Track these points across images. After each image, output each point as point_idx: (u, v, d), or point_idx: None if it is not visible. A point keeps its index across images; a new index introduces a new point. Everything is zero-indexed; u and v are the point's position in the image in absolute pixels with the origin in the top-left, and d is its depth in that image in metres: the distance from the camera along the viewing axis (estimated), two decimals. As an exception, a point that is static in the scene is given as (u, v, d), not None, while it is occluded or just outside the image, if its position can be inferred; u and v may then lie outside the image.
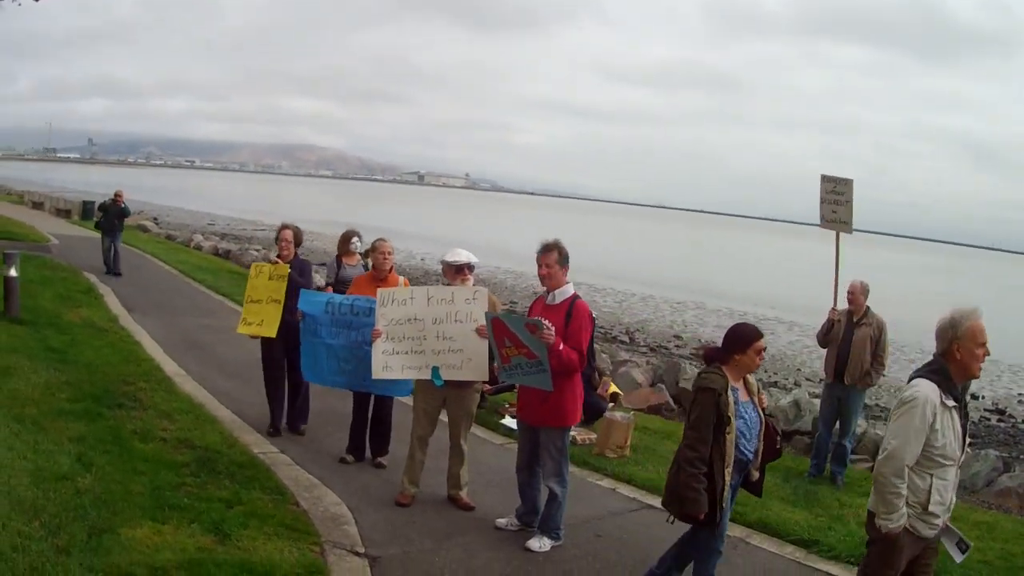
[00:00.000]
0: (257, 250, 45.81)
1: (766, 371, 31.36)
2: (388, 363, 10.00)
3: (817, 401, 16.60)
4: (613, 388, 13.17)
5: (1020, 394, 34.70)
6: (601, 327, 37.05)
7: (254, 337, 12.22)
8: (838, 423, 13.51)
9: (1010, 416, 29.44)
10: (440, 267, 10.66)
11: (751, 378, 7.49)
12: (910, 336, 43.79)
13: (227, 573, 7.32)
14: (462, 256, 10.13)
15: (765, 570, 9.17)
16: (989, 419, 28.36)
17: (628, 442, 12.74)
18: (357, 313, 10.84)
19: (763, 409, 7.51)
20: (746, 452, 7.30)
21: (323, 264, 25.38)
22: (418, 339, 9.83)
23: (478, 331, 9.52)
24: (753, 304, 52.10)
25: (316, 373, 11.41)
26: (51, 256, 30.21)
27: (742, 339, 7.23)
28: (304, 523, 8.95)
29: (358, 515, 9.46)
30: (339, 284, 14.18)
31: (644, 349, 31.69)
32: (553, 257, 8.92)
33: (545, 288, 9.08)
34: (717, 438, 6.95)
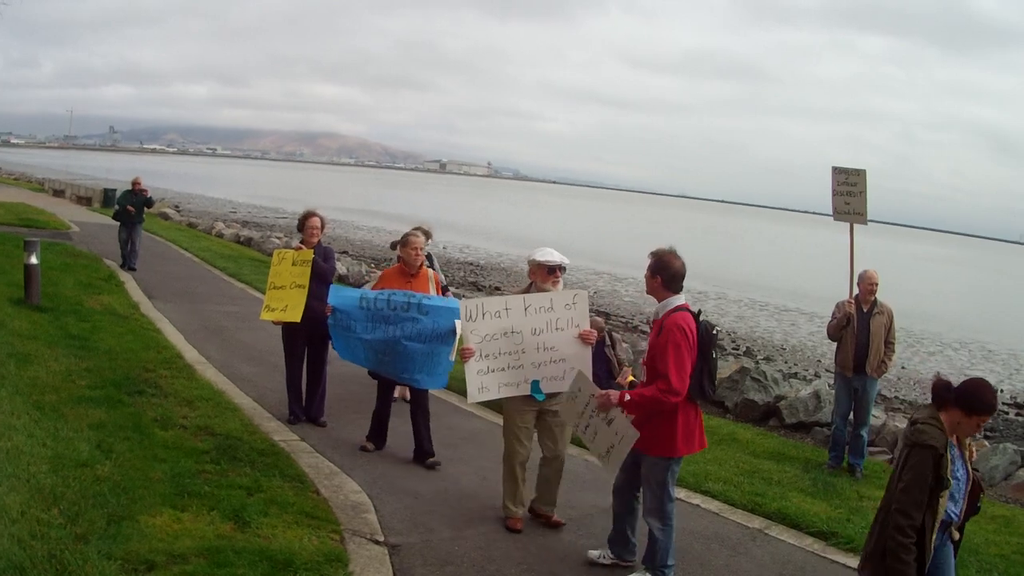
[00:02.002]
0: (279, 237, 45.82)
1: (787, 362, 31.38)
2: (484, 384, 9.13)
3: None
4: (631, 377, 13.16)
5: (1040, 388, 34.59)
6: (622, 316, 37.13)
7: (277, 323, 12.08)
8: (852, 414, 13.46)
9: None
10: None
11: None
12: (928, 327, 43.71)
13: (246, 560, 7.33)
14: (555, 256, 9.30)
15: (784, 561, 9.15)
16: (1007, 413, 28.25)
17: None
18: (395, 308, 10.48)
19: (971, 463, 6.55)
20: (951, 514, 6.46)
21: (345, 252, 25.21)
22: (516, 353, 9.08)
23: (582, 337, 9.04)
24: (774, 294, 52.07)
25: (352, 356, 11.06)
26: (72, 243, 30.26)
27: (979, 404, 6.16)
28: (324, 511, 8.95)
29: (378, 503, 9.46)
30: None
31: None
32: (649, 264, 8.16)
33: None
34: (930, 502, 6.12)
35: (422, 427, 11.11)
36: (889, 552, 6.12)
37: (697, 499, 10.65)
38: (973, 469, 6.49)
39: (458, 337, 10.01)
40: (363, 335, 10.66)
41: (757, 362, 25.89)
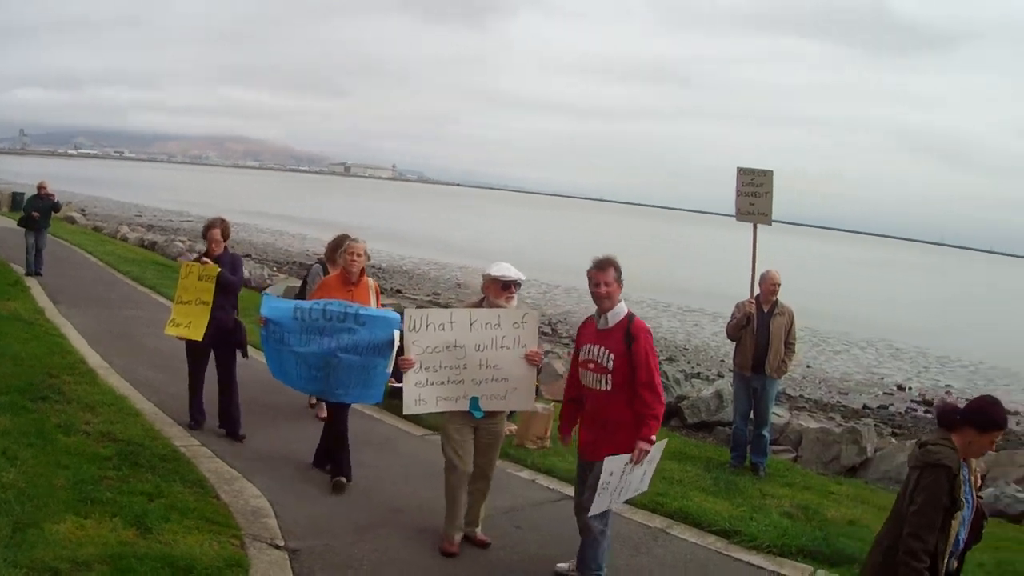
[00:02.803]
0: (183, 241, 45.52)
1: (689, 362, 31.75)
2: (421, 396, 8.93)
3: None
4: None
5: (948, 385, 35.27)
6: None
7: (181, 339, 11.91)
8: (753, 414, 13.65)
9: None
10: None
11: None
12: (835, 327, 44.22)
13: (149, 567, 7.33)
14: (511, 272, 8.97)
15: (686, 560, 9.30)
16: (916, 410, 28.85)
17: (548, 433, 12.80)
18: (330, 319, 9.89)
19: (977, 489, 6.35)
20: (959, 540, 6.24)
21: (247, 256, 24.92)
22: (457, 368, 8.86)
23: (528, 357, 8.88)
24: (678, 295, 52.43)
25: (285, 376, 10.44)
26: (-23, 249, 29.86)
27: (992, 420, 6.06)
28: (225, 516, 8.96)
29: (278, 508, 9.47)
30: None
31: (566, 340, 31.81)
32: (611, 274, 8.06)
33: (598, 309, 8.21)
34: (943, 525, 5.92)
35: (346, 444, 10.78)
36: None
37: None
38: (977, 495, 6.34)
39: (395, 349, 9.66)
40: (297, 348, 10.07)
41: (660, 362, 26.20)
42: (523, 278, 9.08)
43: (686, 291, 53.22)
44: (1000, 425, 6.11)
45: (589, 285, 8.16)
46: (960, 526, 6.05)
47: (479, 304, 9.15)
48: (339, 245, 11.69)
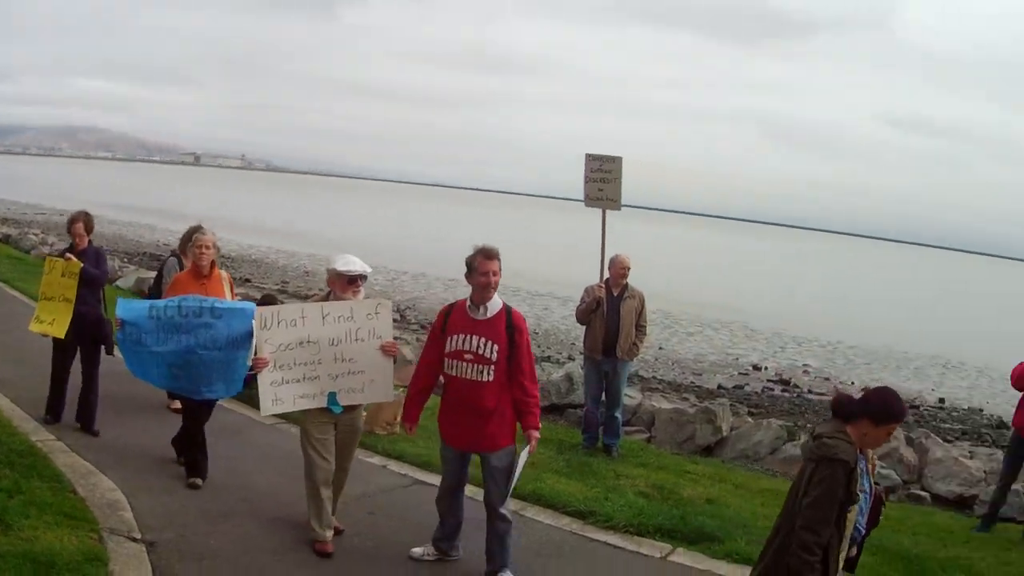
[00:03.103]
0: (36, 234, 44.56)
1: (539, 346, 31.82)
2: (278, 395, 8.76)
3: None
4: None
5: (805, 365, 35.94)
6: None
7: (45, 336, 11.72)
8: (605, 396, 13.84)
9: (795, 386, 30.51)
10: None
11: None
12: (688, 309, 44.78)
13: (11, 564, 7.34)
14: (356, 265, 8.87)
15: (541, 541, 9.51)
16: (773, 389, 29.36)
17: (398, 419, 12.82)
18: (186, 315, 9.52)
19: (874, 475, 6.41)
20: (860, 528, 6.32)
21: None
22: (312, 364, 8.75)
23: (383, 348, 8.86)
24: (527, 280, 52.71)
25: (143, 374, 9.97)
26: None
27: (889, 412, 6.04)
28: (82, 510, 8.94)
29: (133, 500, 9.46)
30: None
31: (415, 327, 31.83)
32: (499, 264, 8.25)
33: (475, 299, 8.28)
34: (837, 518, 5.93)
35: (203, 445, 10.59)
36: (792, 570, 5.94)
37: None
38: (875, 481, 6.41)
39: (254, 340, 9.37)
40: (155, 347, 9.61)
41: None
42: (369, 270, 9.03)
43: (536, 276, 53.54)
44: (898, 417, 6.12)
45: (473, 274, 8.21)
46: (858, 515, 6.14)
47: (326, 299, 9.11)
48: (191, 238, 11.40)
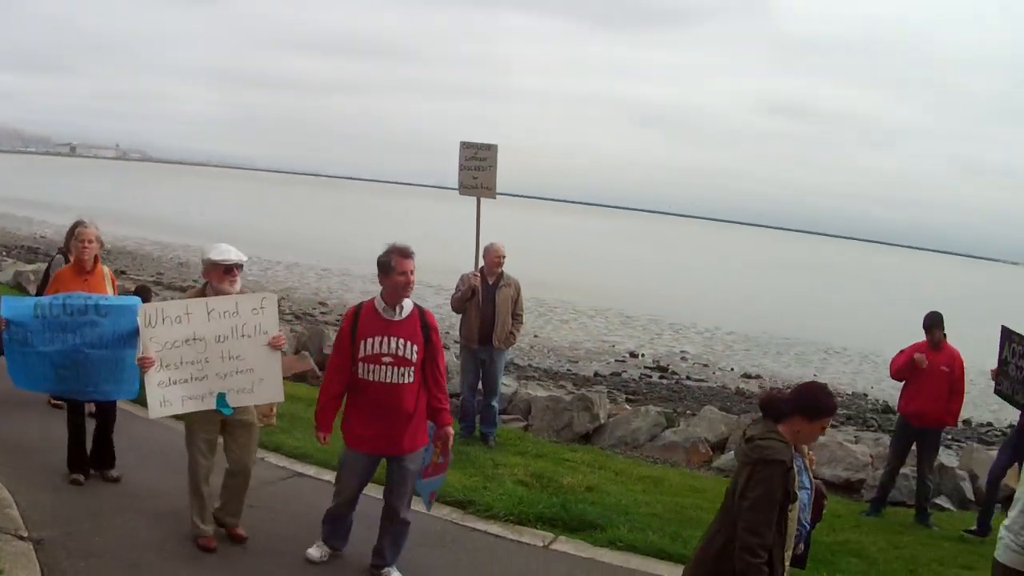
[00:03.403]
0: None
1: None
2: (166, 397, 8.41)
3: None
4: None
5: (683, 351, 36.40)
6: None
7: None
8: (482, 385, 13.92)
9: (673, 373, 30.99)
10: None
11: None
12: (562, 296, 44.89)
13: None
14: (231, 254, 8.58)
15: (422, 532, 9.53)
16: (651, 376, 29.75)
17: (274, 411, 12.63)
18: (72, 313, 9.20)
19: (812, 469, 6.39)
20: (804, 523, 6.25)
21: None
22: (199, 363, 8.43)
23: (272, 344, 8.58)
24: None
25: (29, 381, 9.59)
26: None
27: (820, 407, 6.01)
28: (-33, 509, 8.90)
29: (18, 498, 9.26)
30: None
31: (289, 317, 31.81)
32: (414, 263, 8.05)
33: (391, 299, 8.04)
34: (778, 518, 5.84)
35: (109, 440, 10.33)
36: (739, 574, 5.80)
37: (328, 476, 10.63)
38: (813, 476, 6.36)
39: (140, 338, 8.96)
40: (42, 348, 9.24)
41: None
42: (244, 259, 8.77)
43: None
44: (830, 411, 6.09)
45: (390, 274, 7.99)
46: (801, 511, 6.06)
47: (203, 291, 8.83)
48: (74, 232, 10.98)
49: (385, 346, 7.89)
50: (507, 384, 17.51)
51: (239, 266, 8.65)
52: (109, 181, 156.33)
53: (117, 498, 9.66)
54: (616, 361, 32.52)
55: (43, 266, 19.18)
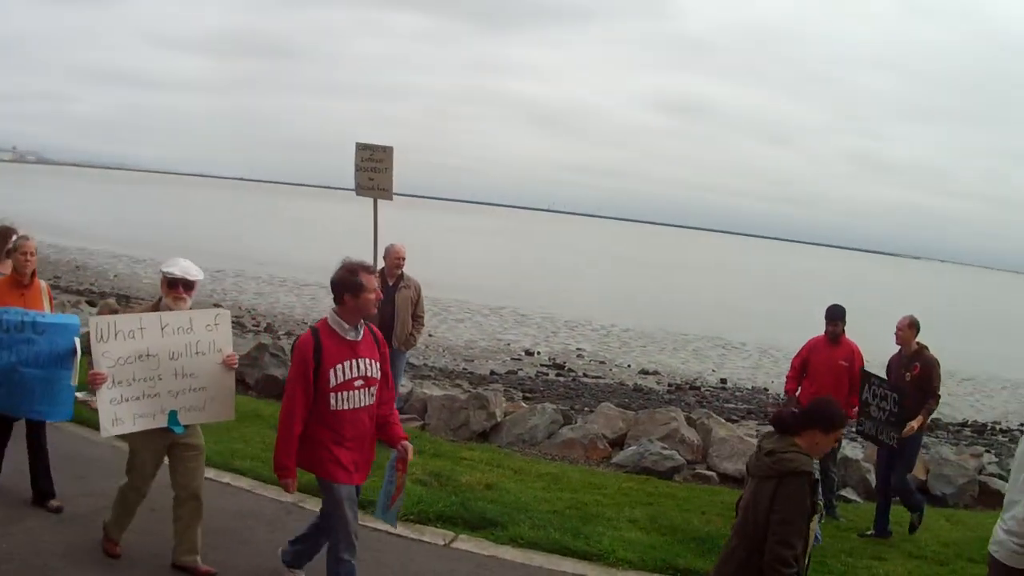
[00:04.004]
0: None
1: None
2: (118, 415, 7.96)
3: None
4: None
5: (579, 349, 36.55)
6: (142, 299, 36.87)
7: None
8: None
9: (569, 370, 31.14)
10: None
11: None
12: (456, 296, 44.93)
13: None
14: (176, 268, 8.26)
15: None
16: (547, 374, 29.84)
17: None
18: (7, 329, 8.71)
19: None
20: (818, 536, 6.70)
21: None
22: (152, 380, 8.06)
23: (225, 362, 8.38)
24: (293, 269, 52.54)
25: None
26: None
27: (835, 419, 6.31)
28: None
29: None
30: None
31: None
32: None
33: (350, 319, 7.64)
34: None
35: (41, 465, 9.74)
36: None
37: (227, 477, 10.75)
38: None
39: (78, 359, 8.83)
40: None
41: (278, 337, 26.30)
42: (194, 276, 8.35)
43: (303, 265, 53.42)
44: (843, 422, 6.44)
45: (359, 293, 7.56)
46: (817, 522, 6.24)
47: (157, 306, 8.47)
48: (3, 238, 10.56)
49: (355, 369, 7.52)
50: (403, 384, 17.46)
51: (186, 283, 8.29)
52: (3, 184, 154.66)
53: (21, 504, 9.44)
54: (512, 359, 32.66)
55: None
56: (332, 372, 7.39)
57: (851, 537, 11.51)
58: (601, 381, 29.99)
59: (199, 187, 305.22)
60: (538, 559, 9.58)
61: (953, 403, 33.60)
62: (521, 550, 9.67)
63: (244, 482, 10.71)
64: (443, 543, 9.76)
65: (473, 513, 10.32)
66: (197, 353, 8.25)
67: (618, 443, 16.15)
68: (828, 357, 12.23)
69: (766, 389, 31.22)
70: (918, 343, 11.67)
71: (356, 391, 7.54)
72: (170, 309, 8.26)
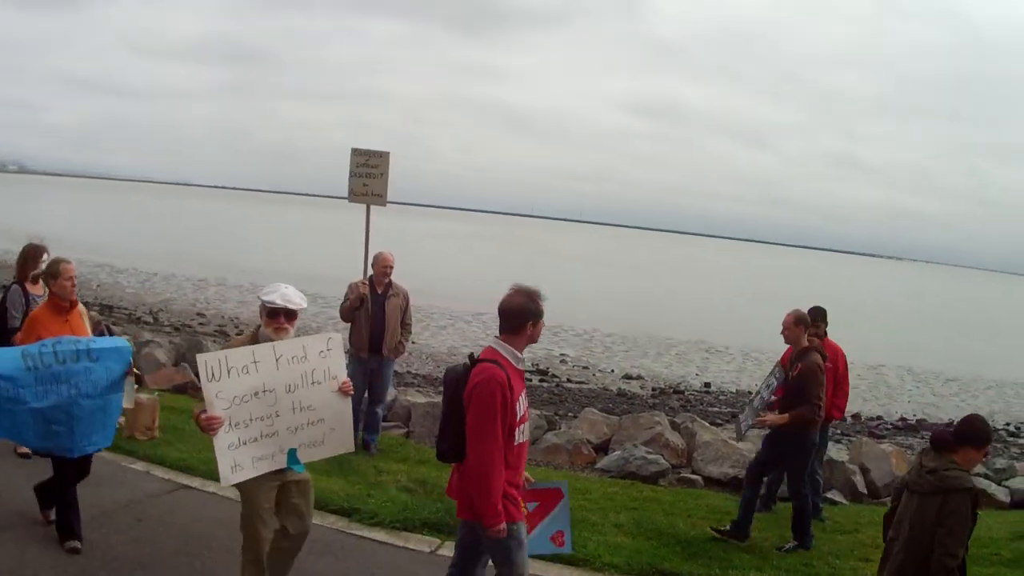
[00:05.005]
0: None
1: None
2: (237, 460, 7.25)
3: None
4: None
5: (562, 354, 36.56)
6: (125, 308, 36.71)
7: None
8: (368, 392, 13.77)
9: (553, 376, 31.23)
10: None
11: None
12: (439, 303, 44.95)
13: None
14: (277, 296, 7.48)
15: (311, 541, 9.25)
16: (531, 379, 29.67)
17: (156, 423, 12.66)
18: (64, 361, 8.18)
19: None
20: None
21: None
22: (269, 418, 7.38)
23: (341, 389, 7.75)
24: (276, 277, 52.55)
25: (15, 434, 8.42)
26: None
27: (986, 435, 6.78)
28: None
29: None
30: None
31: (168, 329, 31.66)
32: None
33: (520, 352, 6.93)
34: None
35: (75, 504, 8.95)
36: None
37: (212, 487, 10.69)
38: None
39: (130, 381, 8.56)
40: (35, 404, 8.08)
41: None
42: (298, 305, 7.56)
43: (284, 273, 53.58)
44: (991, 437, 6.91)
45: (539, 321, 6.93)
46: None
47: (255, 336, 7.72)
48: (33, 258, 10.51)
49: (525, 399, 7.00)
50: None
51: (288, 312, 7.56)
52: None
53: (8, 517, 9.28)
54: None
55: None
56: (517, 405, 6.80)
57: (837, 538, 11.51)
58: (585, 386, 30.13)
59: (179, 196, 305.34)
60: (525, 565, 9.57)
61: (938, 403, 33.91)
62: (507, 556, 9.62)
63: (231, 491, 10.64)
64: (429, 550, 9.76)
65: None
66: (313, 383, 7.63)
67: (603, 448, 16.24)
68: None
69: (750, 392, 31.04)
70: (811, 340, 11.32)
71: (528, 422, 7.17)
72: (269, 339, 7.54)
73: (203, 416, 7.09)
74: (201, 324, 35.76)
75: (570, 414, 21.31)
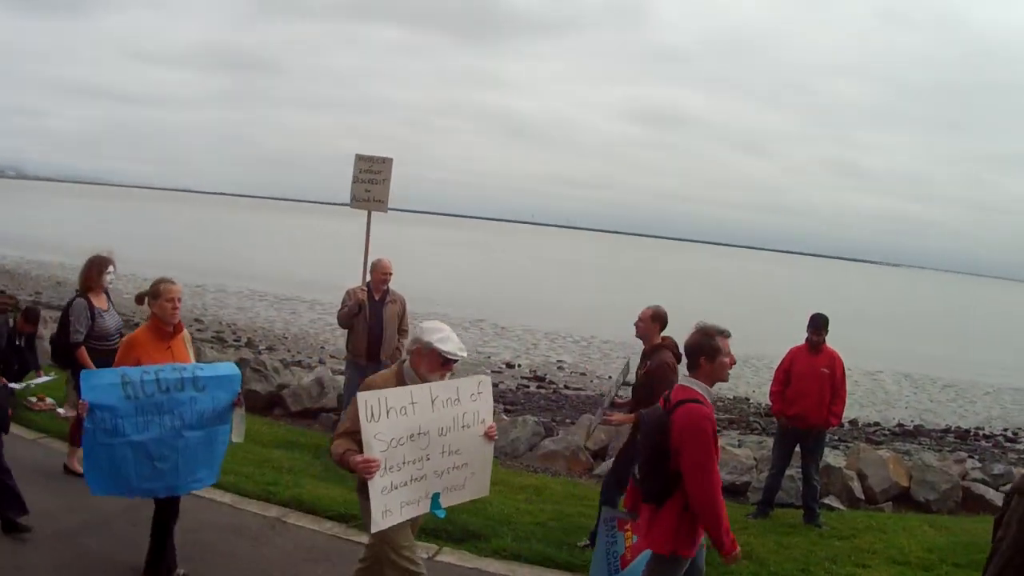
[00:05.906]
0: None
1: (289, 350, 32.23)
2: (388, 505, 6.77)
3: (339, 378, 17.44)
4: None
5: (559, 361, 36.51)
6: (121, 313, 36.72)
7: None
8: None
9: (550, 382, 31.17)
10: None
11: None
12: (437, 309, 45.06)
13: None
14: (454, 345, 7.10)
15: (307, 547, 9.55)
16: (528, 386, 29.86)
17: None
18: (167, 389, 7.78)
19: None
20: None
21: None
22: (419, 461, 6.98)
23: (487, 434, 7.41)
24: (274, 284, 52.60)
25: (118, 483, 7.84)
26: None
27: None
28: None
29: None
30: (96, 341, 10.94)
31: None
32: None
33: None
34: None
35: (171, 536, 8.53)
36: None
37: (208, 492, 10.49)
38: None
39: (239, 412, 8.24)
40: (135, 436, 7.67)
41: (259, 352, 26.25)
42: (465, 354, 7.29)
43: (282, 279, 53.48)
44: None
45: (715, 356, 7.12)
46: None
47: (400, 374, 7.24)
48: (99, 269, 10.51)
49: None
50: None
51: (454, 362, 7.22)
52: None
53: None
54: (492, 372, 32.49)
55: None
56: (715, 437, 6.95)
57: (834, 544, 11.46)
58: (582, 393, 30.04)
59: (179, 202, 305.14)
60: (522, 571, 9.61)
61: (936, 409, 33.90)
62: (505, 562, 9.69)
63: (227, 497, 10.65)
64: (427, 556, 9.55)
65: (456, 526, 10.29)
66: (463, 427, 7.27)
67: (600, 455, 16.27)
68: (809, 365, 12.29)
69: (747, 399, 31.27)
70: (664, 339, 11.12)
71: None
72: (417, 380, 7.12)
73: (359, 460, 6.65)
74: (199, 330, 35.66)
75: (567, 420, 21.30)
